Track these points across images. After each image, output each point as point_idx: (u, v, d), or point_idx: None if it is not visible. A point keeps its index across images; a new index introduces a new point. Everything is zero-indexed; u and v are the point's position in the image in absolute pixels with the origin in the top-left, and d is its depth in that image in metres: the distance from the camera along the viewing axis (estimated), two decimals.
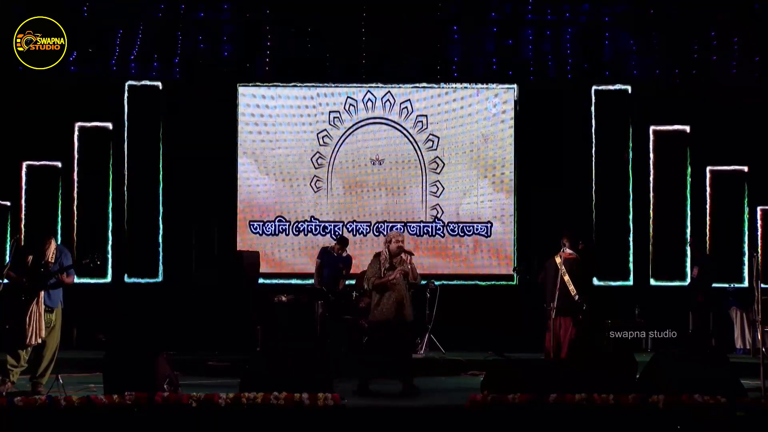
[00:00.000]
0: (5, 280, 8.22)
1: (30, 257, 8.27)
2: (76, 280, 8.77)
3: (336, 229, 12.61)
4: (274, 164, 12.84)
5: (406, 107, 12.84)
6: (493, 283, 12.60)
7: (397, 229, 11.88)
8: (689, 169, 12.60)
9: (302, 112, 12.87)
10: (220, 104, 12.66)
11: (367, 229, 12.75)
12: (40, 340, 8.11)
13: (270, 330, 11.41)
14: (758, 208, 12.49)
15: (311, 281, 11.49)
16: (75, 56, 12.35)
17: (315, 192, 12.80)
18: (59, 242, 9.52)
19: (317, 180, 12.82)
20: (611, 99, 12.71)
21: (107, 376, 7.23)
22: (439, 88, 12.84)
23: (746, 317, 11.59)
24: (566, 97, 12.66)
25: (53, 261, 8.25)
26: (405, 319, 8.33)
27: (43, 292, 8.14)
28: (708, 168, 12.60)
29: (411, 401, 7.72)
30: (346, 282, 11.44)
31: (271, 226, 12.74)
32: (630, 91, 12.69)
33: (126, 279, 12.47)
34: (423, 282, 10.01)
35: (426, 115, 12.83)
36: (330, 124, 12.85)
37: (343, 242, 11.38)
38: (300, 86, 12.83)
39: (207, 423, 6.46)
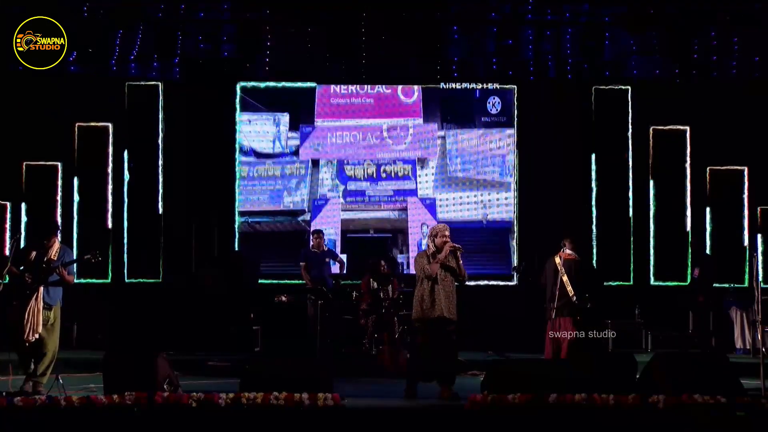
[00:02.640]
0: (6, 279, 8.24)
1: (33, 253, 8.31)
2: (77, 280, 8.78)
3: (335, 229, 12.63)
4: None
5: None
6: (493, 283, 12.61)
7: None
8: (689, 169, 12.61)
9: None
10: (220, 104, 12.66)
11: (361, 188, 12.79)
12: (36, 336, 8.11)
13: (270, 330, 11.42)
14: (758, 208, 12.49)
15: None
16: (75, 56, 12.36)
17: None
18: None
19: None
20: (611, 99, 12.72)
21: (107, 376, 7.23)
22: (439, 88, 12.83)
23: (746, 317, 11.60)
24: (566, 97, 12.67)
25: (56, 259, 8.27)
26: (449, 317, 7.89)
27: (42, 289, 8.15)
28: (708, 168, 12.60)
29: (398, 400, 7.65)
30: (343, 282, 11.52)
31: (271, 225, 12.73)
32: (630, 91, 12.70)
33: (126, 279, 12.48)
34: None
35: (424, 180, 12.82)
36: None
37: (318, 233, 11.44)
38: (299, 86, 12.83)
39: (207, 423, 6.46)
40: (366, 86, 12.83)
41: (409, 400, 7.67)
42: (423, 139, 12.76)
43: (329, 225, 12.59)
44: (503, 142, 12.74)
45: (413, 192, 12.68)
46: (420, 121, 12.76)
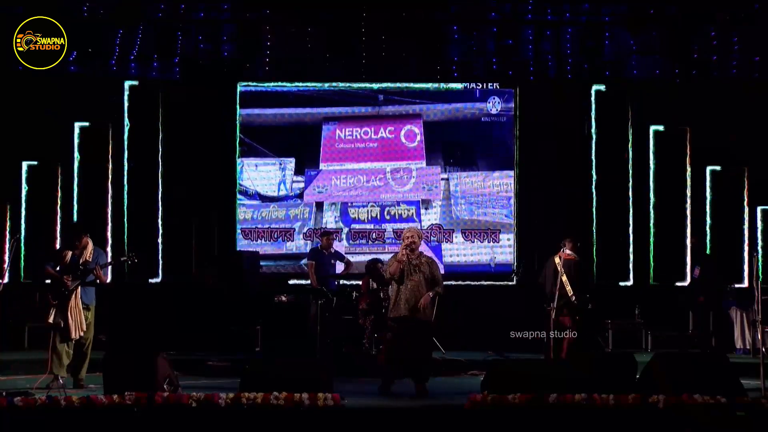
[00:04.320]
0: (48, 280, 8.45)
1: (68, 254, 8.44)
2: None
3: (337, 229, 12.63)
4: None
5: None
6: (493, 283, 12.61)
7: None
8: (689, 169, 12.61)
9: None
10: (220, 104, 12.66)
11: (365, 229, 12.77)
12: (81, 333, 8.41)
13: (270, 330, 11.41)
14: (758, 208, 12.49)
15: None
16: (75, 56, 12.36)
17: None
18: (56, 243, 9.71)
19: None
20: (611, 99, 12.71)
21: (107, 376, 7.24)
22: (439, 88, 12.82)
23: (746, 317, 11.59)
24: (566, 97, 12.67)
25: (91, 260, 8.46)
26: (422, 317, 8.10)
27: (80, 290, 8.38)
28: (708, 168, 12.60)
29: (398, 400, 7.71)
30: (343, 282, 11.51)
31: (273, 269, 12.69)
32: (630, 91, 12.69)
33: (126, 279, 12.47)
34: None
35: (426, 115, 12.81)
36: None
37: (327, 234, 11.45)
38: (300, 86, 12.83)
39: (207, 423, 6.46)
40: (370, 131, 12.80)
41: (382, 398, 7.84)
42: (426, 182, 12.75)
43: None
44: (504, 182, 12.71)
45: None
46: (423, 164, 12.74)
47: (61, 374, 8.34)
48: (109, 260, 8.75)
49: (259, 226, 12.77)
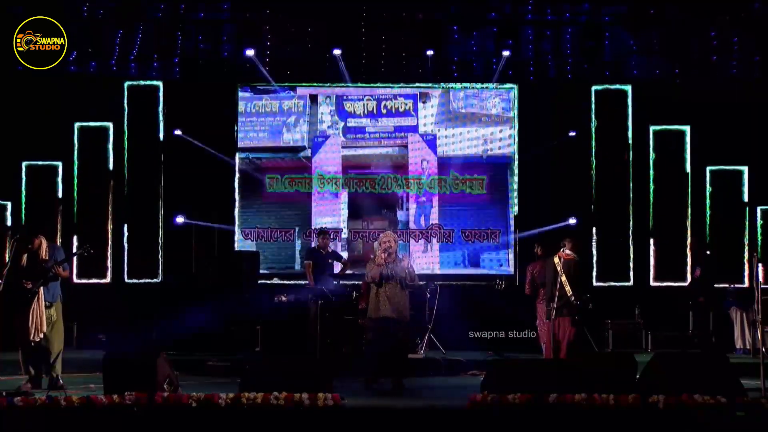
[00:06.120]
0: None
1: (24, 256, 8.40)
2: (77, 280, 8.84)
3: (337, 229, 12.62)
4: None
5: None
6: (492, 283, 12.59)
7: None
8: (689, 169, 12.61)
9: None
10: (219, 104, 12.66)
11: (361, 124, 12.79)
12: (42, 335, 8.26)
13: (270, 330, 11.40)
14: (758, 208, 12.50)
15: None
16: (75, 56, 12.37)
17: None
18: (57, 242, 9.66)
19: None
20: (611, 99, 12.72)
21: (107, 376, 7.23)
22: (439, 88, 12.83)
23: (746, 317, 11.60)
24: (566, 97, 12.67)
25: (48, 258, 8.37)
26: (400, 317, 8.45)
27: (42, 289, 8.27)
28: (708, 168, 12.61)
29: (398, 400, 7.73)
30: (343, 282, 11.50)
31: (272, 161, 12.70)
32: (630, 91, 12.70)
33: (126, 279, 12.48)
34: (422, 282, 10.01)
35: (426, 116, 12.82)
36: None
37: (323, 233, 11.44)
38: (299, 86, 12.83)
39: (207, 423, 6.46)
40: None
41: (379, 397, 8.00)
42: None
43: (330, 162, 12.60)
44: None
45: (414, 128, 12.65)
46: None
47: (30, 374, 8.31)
48: (72, 252, 8.65)
49: (254, 119, 12.68)
